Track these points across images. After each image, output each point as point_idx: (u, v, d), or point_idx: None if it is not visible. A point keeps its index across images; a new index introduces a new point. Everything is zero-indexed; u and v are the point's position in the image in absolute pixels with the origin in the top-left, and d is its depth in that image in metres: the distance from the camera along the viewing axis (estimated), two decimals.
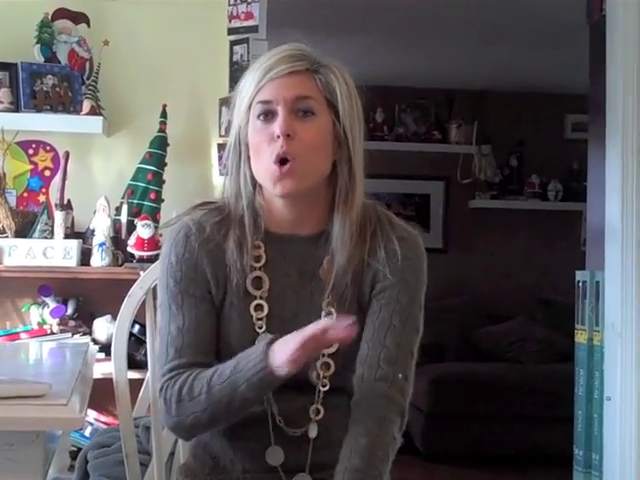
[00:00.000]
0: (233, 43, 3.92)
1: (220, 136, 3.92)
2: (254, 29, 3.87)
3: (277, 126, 1.84)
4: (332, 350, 1.90)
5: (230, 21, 3.91)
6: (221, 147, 3.90)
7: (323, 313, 1.92)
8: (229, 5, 3.90)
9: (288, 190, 1.86)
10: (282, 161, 1.84)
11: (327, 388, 1.91)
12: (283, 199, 1.90)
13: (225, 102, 3.89)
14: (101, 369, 3.15)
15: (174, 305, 1.92)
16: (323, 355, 1.90)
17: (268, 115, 1.86)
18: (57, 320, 3.61)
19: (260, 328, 1.90)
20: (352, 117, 1.91)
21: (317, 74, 1.88)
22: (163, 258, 1.96)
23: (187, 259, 1.91)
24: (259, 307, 1.91)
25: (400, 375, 1.89)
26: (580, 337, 4.10)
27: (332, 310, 1.92)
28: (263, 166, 1.87)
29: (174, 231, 1.95)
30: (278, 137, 1.83)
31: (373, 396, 1.87)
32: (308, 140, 1.86)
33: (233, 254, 1.90)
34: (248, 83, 1.89)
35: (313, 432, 1.91)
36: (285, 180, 1.85)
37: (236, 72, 3.89)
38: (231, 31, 3.92)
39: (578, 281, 4.14)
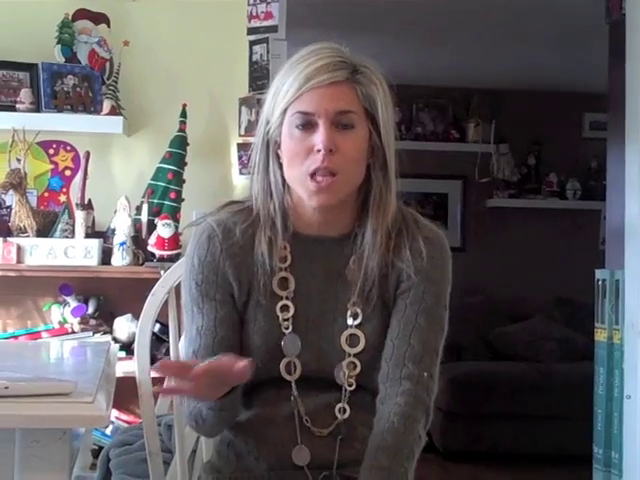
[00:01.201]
0: (252, 43, 3.92)
1: (240, 135, 3.93)
2: (273, 29, 3.87)
3: (319, 141, 1.83)
4: (358, 350, 1.91)
5: (249, 21, 3.91)
6: (241, 147, 3.90)
7: (349, 313, 1.93)
8: (248, 5, 3.90)
9: (324, 203, 1.87)
10: (322, 173, 1.83)
11: (353, 387, 1.92)
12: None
13: (245, 102, 3.90)
14: (122, 368, 3.15)
15: (195, 307, 1.93)
16: (349, 355, 1.91)
17: (307, 125, 1.85)
18: (78, 319, 3.62)
19: (287, 329, 1.91)
20: (389, 125, 1.91)
21: (357, 84, 1.86)
22: (187, 259, 1.97)
23: (209, 262, 1.92)
24: (285, 307, 1.92)
25: (425, 374, 1.89)
26: (600, 336, 4.09)
27: (358, 310, 1.92)
28: (299, 176, 1.86)
29: (198, 232, 1.96)
30: (318, 151, 1.83)
31: (399, 394, 1.87)
32: (348, 154, 1.85)
33: (263, 255, 1.90)
34: (286, 86, 1.86)
35: (339, 431, 1.92)
36: (322, 194, 1.85)
37: (255, 72, 3.90)
38: (250, 31, 3.92)
39: (598, 280, 4.13)
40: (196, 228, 1.98)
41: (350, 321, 1.92)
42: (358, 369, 1.91)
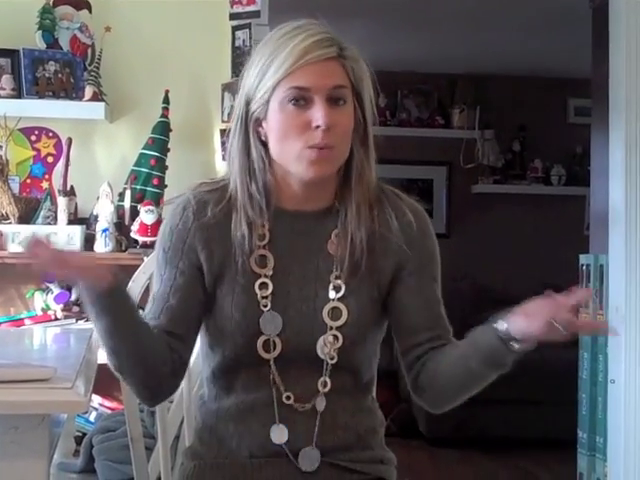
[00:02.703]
0: (235, 28, 3.91)
1: (222, 121, 3.92)
2: (256, 14, 3.86)
3: (319, 117, 1.82)
4: (341, 323, 1.91)
5: (232, 6, 3.90)
6: (223, 133, 3.88)
7: (331, 286, 1.92)
8: None
9: (319, 174, 1.87)
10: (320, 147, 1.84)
11: (335, 361, 1.91)
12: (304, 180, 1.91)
13: (227, 87, 3.88)
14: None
15: (158, 274, 1.94)
16: (331, 328, 1.91)
17: (300, 100, 1.83)
18: (61, 306, 3.62)
19: (265, 306, 1.90)
20: (370, 101, 1.93)
21: (345, 60, 1.87)
22: (160, 229, 1.99)
23: (179, 230, 1.92)
24: (264, 285, 1.91)
25: (448, 326, 2.00)
26: None
27: (341, 283, 1.92)
28: (293, 150, 1.85)
29: (174, 205, 1.96)
30: (317, 127, 1.82)
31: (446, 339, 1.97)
32: (343, 129, 1.86)
33: (244, 237, 1.89)
34: (277, 62, 1.83)
35: (321, 405, 1.91)
36: (321, 165, 1.85)
37: (238, 57, 3.88)
38: (233, 16, 3.91)
39: (582, 265, 4.14)
40: (173, 202, 1.98)
41: (332, 294, 1.92)
42: (340, 342, 1.90)
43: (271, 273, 1.92)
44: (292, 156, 1.86)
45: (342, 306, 1.91)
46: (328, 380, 1.92)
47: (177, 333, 1.90)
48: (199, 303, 1.93)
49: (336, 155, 1.87)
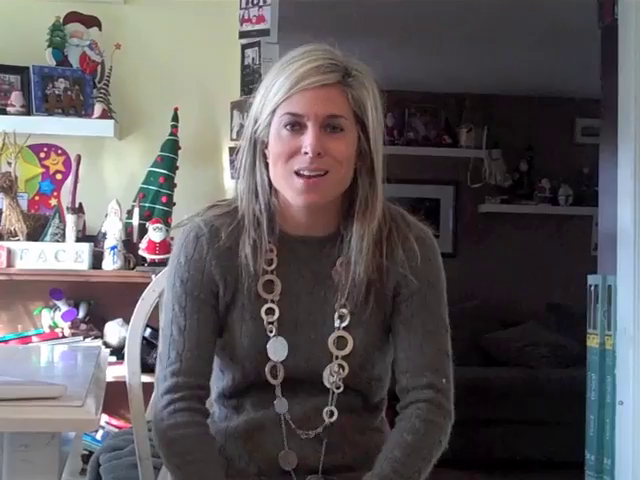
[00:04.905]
0: (245, 47, 3.92)
1: (231, 139, 3.92)
2: (266, 32, 3.87)
3: (308, 144, 1.81)
4: (346, 352, 1.90)
5: (241, 24, 3.91)
6: (232, 150, 3.88)
7: (336, 315, 1.91)
8: (240, 8, 3.89)
9: (311, 201, 1.85)
10: (310, 171, 1.82)
11: (341, 390, 1.91)
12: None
13: (236, 105, 3.89)
14: (113, 372, 3.14)
15: (177, 306, 1.92)
16: (337, 357, 1.90)
17: (295, 126, 1.84)
18: (69, 323, 3.61)
19: (271, 332, 1.90)
20: (378, 130, 1.89)
21: (348, 87, 1.85)
22: (172, 258, 1.96)
23: (196, 260, 1.91)
24: (270, 310, 1.91)
25: (444, 380, 1.91)
26: (592, 341, 4.09)
27: (345, 312, 1.91)
28: (283, 175, 1.85)
29: (185, 231, 1.95)
30: (306, 153, 1.82)
31: (421, 401, 1.88)
32: (336, 157, 1.84)
33: (247, 257, 1.89)
34: (276, 87, 1.85)
35: (325, 435, 1.91)
36: (310, 193, 1.83)
37: (247, 76, 3.89)
38: (242, 34, 3.92)
39: (590, 285, 4.13)
40: (183, 228, 1.97)
41: (337, 323, 1.91)
42: (346, 372, 1.90)
43: (278, 299, 1.91)
44: (283, 181, 1.86)
45: (347, 335, 1.91)
46: (334, 410, 1.91)
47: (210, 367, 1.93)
48: (218, 331, 1.94)
49: (329, 182, 1.84)
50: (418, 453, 1.84)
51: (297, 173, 1.83)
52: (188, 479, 1.82)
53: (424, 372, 1.89)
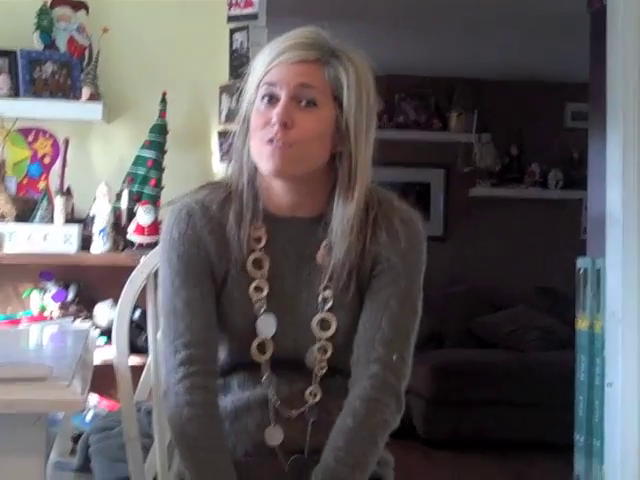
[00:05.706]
0: (233, 31, 3.91)
1: (220, 123, 3.91)
2: (254, 17, 3.86)
3: (275, 113, 1.83)
4: (330, 334, 1.91)
5: (230, 9, 3.90)
6: (221, 134, 3.88)
7: (320, 297, 1.92)
8: None
9: (276, 170, 1.84)
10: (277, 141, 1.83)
11: (324, 371, 1.91)
12: (280, 182, 1.90)
13: (225, 90, 3.88)
14: (102, 355, 3.14)
15: (178, 280, 1.91)
16: (320, 339, 1.91)
17: (272, 99, 1.85)
18: (58, 305, 3.61)
19: (260, 308, 1.91)
20: (358, 111, 1.87)
21: (327, 65, 1.86)
22: (164, 236, 1.96)
23: (190, 235, 1.92)
24: (259, 288, 1.91)
25: (395, 357, 1.88)
26: (581, 324, 4.10)
27: (329, 295, 1.91)
28: (257, 147, 1.86)
29: (176, 210, 1.95)
30: (275, 124, 1.83)
31: (366, 377, 1.87)
32: (306, 130, 1.84)
33: (232, 228, 1.90)
34: (259, 63, 1.89)
35: (310, 415, 1.91)
36: (275, 159, 1.83)
37: (236, 60, 3.88)
38: (231, 19, 3.91)
39: (579, 268, 4.14)
40: (172, 207, 1.97)
41: (320, 305, 1.91)
42: (329, 353, 1.91)
43: (267, 275, 1.92)
44: (256, 152, 1.87)
45: (331, 317, 1.91)
46: (318, 391, 1.92)
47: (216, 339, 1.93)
48: (216, 304, 1.94)
49: (296, 154, 1.84)
50: (360, 437, 1.83)
51: (268, 142, 1.83)
52: (196, 464, 1.83)
53: (376, 346, 1.88)
